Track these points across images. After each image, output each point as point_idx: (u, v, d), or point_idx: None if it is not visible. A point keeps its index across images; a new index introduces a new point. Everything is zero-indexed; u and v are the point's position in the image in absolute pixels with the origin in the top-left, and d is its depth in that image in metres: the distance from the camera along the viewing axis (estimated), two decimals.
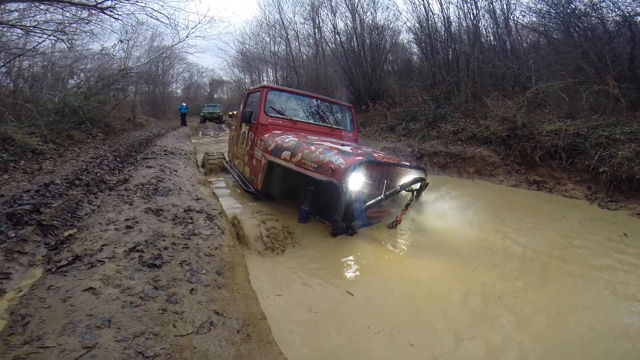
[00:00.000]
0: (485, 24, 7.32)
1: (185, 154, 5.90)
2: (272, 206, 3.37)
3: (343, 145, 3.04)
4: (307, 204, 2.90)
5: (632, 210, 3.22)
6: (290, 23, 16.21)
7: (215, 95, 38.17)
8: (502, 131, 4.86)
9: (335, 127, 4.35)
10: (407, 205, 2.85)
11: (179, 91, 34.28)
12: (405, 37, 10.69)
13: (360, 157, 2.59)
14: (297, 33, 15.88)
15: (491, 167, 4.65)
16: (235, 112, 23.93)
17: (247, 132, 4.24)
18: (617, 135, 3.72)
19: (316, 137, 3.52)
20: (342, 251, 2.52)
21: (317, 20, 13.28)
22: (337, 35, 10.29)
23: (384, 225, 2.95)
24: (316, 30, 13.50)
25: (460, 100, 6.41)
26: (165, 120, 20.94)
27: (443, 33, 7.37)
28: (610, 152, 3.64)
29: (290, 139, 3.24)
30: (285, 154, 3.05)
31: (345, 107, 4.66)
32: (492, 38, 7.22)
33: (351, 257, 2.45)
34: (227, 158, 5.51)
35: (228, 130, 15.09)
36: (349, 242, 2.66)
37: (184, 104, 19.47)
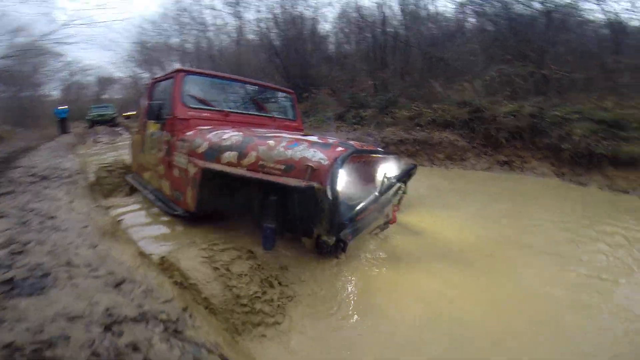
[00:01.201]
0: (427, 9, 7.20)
1: (68, 176, 4.01)
2: (217, 231, 2.30)
3: (306, 135, 2.20)
4: (270, 220, 1.94)
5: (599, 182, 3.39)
6: (205, 8, 13.80)
7: (105, 96, 31.42)
8: (464, 115, 4.76)
9: (278, 116, 3.42)
10: (400, 199, 2.22)
11: (55, 92, 26.86)
12: (341, 23, 10.07)
13: (341, 148, 1.84)
14: (214, 18, 13.62)
15: (461, 151, 4.51)
16: (133, 113, 19.86)
17: (158, 133, 2.95)
18: (569, 115, 3.94)
19: (264, 130, 2.56)
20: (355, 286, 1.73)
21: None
22: (261, 23, 9.09)
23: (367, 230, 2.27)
24: (238, 13, 11.79)
25: (406, 85, 6.21)
26: (37, 129, 15.94)
27: (380, 17, 7.01)
28: (566, 131, 3.84)
29: (231, 134, 2.23)
30: (229, 155, 2.06)
31: (285, 93, 3.75)
32: (433, 24, 7.20)
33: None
34: (132, 171, 3.97)
35: (127, 133, 12.10)
36: (349, 266, 1.89)
37: (63, 107, 15.12)
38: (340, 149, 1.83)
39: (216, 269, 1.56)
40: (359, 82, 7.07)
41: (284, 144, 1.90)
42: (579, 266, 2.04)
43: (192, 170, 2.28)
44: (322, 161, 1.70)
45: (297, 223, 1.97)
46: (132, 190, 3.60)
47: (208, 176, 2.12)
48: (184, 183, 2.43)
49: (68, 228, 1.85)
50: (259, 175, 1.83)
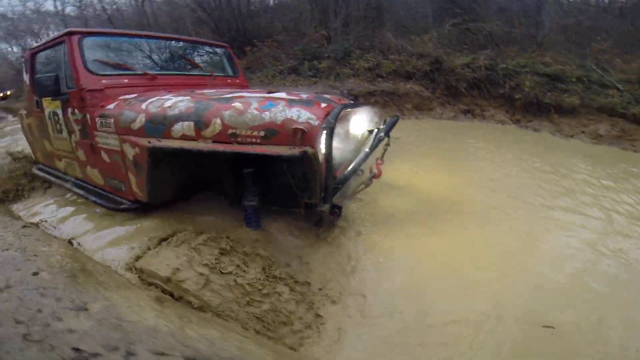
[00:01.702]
0: None
1: None
2: (182, 220, 2.01)
3: (271, 93, 1.95)
4: (250, 197, 1.71)
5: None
6: None
7: None
8: (425, 66, 4.82)
9: (217, 74, 2.99)
10: (384, 152, 2.20)
11: None
12: None
13: (325, 104, 1.63)
14: None
15: (427, 101, 4.62)
16: (8, 93, 15.24)
17: (62, 112, 2.33)
18: (516, 68, 4.44)
19: (214, 91, 2.20)
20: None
21: None
22: None
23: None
24: None
25: (358, 36, 5.87)
26: None
27: None
28: (516, 82, 4.32)
29: (175, 100, 1.83)
30: (182, 127, 1.69)
31: (218, 47, 3.23)
32: None
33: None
34: (38, 161, 3.16)
35: (11, 116, 9.34)
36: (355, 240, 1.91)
37: None
38: (324, 105, 1.61)
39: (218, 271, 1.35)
40: (304, 33, 6.45)
41: (255, 105, 1.58)
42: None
43: (131, 151, 1.89)
44: (311, 121, 1.45)
45: (281, 194, 1.78)
46: (48, 186, 2.90)
47: (158, 156, 1.76)
48: (122, 169, 2.03)
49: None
50: (235, 148, 1.52)
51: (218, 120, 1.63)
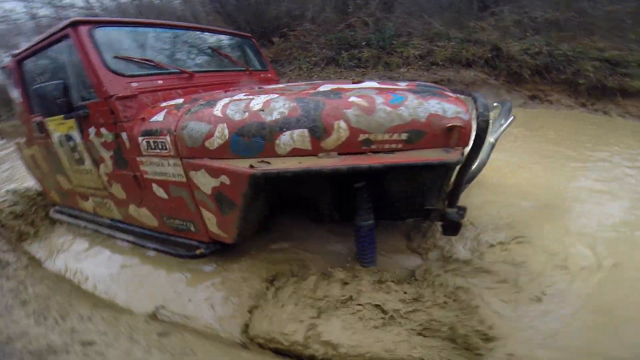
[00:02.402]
0: None
1: None
2: (275, 260, 1.46)
3: (358, 83, 1.31)
4: (365, 214, 1.28)
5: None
6: None
7: None
8: (485, 53, 4.36)
9: (252, 69, 2.29)
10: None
11: None
12: None
13: (454, 94, 1.19)
14: None
15: (494, 89, 4.15)
16: None
17: (80, 135, 1.63)
18: (573, 54, 4.24)
19: (294, 85, 1.54)
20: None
21: None
22: None
23: None
24: None
25: (399, 22, 4.95)
26: None
27: None
28: (577, 68, 4.15)
29: (264, 100, 1.21)
30: (291, 138, 1.11)
31: (242, 38, 2.45)
32: None
33: None
34: (53, 200, 2.46)
35: (6, 141, 8.14)
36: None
37: None
38: (454, 95, 1.17)
39: None
40: (333, 21, 5.42)
41: (380, 99, 1.09)
42: None
43: (210, 182, 1.25)
44: (462, 116, 1.07)
45: (395, 204, 1.39)
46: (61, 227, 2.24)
47: (260, 184, 1.16)
48: (191, 205, 1.41)
49: None
50: (383, 160, 1.03)
51: (342, 124, 1.07)
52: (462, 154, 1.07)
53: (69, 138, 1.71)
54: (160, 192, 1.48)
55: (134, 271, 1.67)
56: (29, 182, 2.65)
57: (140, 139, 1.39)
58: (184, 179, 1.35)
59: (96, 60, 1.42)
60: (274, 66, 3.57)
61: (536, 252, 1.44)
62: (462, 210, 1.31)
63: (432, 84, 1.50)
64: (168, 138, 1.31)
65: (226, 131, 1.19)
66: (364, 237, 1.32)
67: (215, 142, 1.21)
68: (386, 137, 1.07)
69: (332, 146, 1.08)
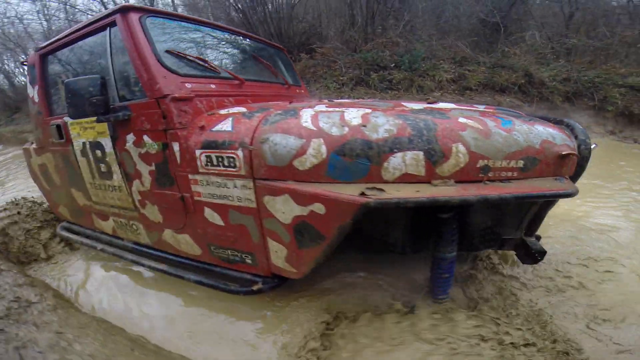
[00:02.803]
0: None
1: None
2: (342, 297, 1.19)
3: (432, 102, 1.21)
4: (450, 246, 1.12)
5: None
6: None
7: None
8: (519, 79, 4.20)
9: (291, 83, 2.02)
10: None
11: None
12: None
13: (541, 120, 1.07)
14: None
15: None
16: None
17: (112, 143, 1.32)
18: (598, 80, 4.14)
19: (378, 103, 1.32)
20: None
21: None
22: None
23: None
24: None
25: (425, 44, 4.79)
26: None
27: None
28: (604, 94, 4.06)
29: (361, 113, 0.97)
30: (402, 161, 0.89)
31: (275, 49, 2.16)
32: None
33: None
34: (61, 216, 2.08)
35: (2, 146, 7.52)
36: None
37: None
38: (542, 120, 1.07)
39: None
40: (357, 41, 5.18)
41: (492, 123, 0.97)
42: None
43: (295, 210, 0.97)
44: (568, 143, 0.99)
45: (478, 235, 1.24)
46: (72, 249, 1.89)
47: (361, 216, 0.87)
48: (255, 235, 1.12)
49: None
50: (511, 191, 0.89)
51: (461, 147, 0.91)
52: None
53: (96, 146, 1.39)
54: (214, 218, 1.17)
55: (199, 317, 1.31)
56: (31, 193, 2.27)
57: (198, 152, 1.09)
58: (253, 205, 1.05)
59: (148, 52, 1.15)
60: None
61: None
62: (538, 238, 1.28)
63: (511, 109, 1.37)
64: (240, 153, 1.01)
65: (323, 148, 0.91)
66: (446, 269, 1.17)
67: (307, 162, 0.92)
68: (504, 164, 0.93)
69: (449, 173, 0.91)
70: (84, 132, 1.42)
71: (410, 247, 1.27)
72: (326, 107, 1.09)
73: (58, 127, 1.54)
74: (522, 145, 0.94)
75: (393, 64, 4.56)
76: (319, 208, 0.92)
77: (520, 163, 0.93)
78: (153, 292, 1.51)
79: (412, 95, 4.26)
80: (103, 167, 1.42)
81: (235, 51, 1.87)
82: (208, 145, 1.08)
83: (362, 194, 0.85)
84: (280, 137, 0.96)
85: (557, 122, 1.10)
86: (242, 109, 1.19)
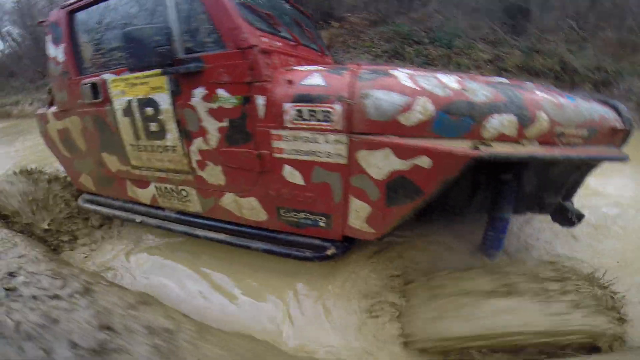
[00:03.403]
0: None
1: None
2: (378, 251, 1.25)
3: (489, 77, 1.27)
4: (508, 205, 1.21)
5: None
6: None
7: None
8: (555, 65, 4.20)
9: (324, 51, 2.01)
10: None
11: None
12: None
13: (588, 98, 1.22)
14: None
15: None
16: None
17: (172, 99, 1.21)
18: (622, 70, 4.13)
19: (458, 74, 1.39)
20: None
21: None
22: None
23: None
24: None
25: (458, 23, 4.70)
26: None
27: None
28: (628, 84, 4.05)
29: (459, 80, 1.02)
30: (500, 122, 0.95)
31: (304, 16, 2.15)
32: None
33: None
34: (83, 189, 1.85)
35: None
36: None
37: None
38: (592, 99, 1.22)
39: None
40: (388, 12, 4.96)
41: (560, 98, 1.08)
42: None
43: (394, 164, 0.97)
44: (618, 120, 1.15)
45: (525, 198, 1.34)
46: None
47: (464, 170, 0.92)
48: (337, 194, 1.10)
49: None
50: (588, 152, 1.06)
51: (543, 114, 1.00)
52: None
53: (147, 103, 1.27)
54: (294, 176, 1.13)
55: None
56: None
57: (287, 105, 1.05)
58: (344, 161, 1.04)
59: (230, 0, 1.07)
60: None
61: None
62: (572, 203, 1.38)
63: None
64: (337, 107, 0.99)
65: (430, 106, 0.93)
66: (502, 229, 1.23)
67: (413, 118, 0.94)
68: (574, 131, 1.05)
69: (534, 135, 1.00)
70: (131, 88, 1.29)
71: (469, 208, 1.35)
72: (413, 70, 1.11)
73: (94, 85, 1.37)
74: (586, 117, 1.07)
75: (428, 40, 4.50)
76: (423, 161, 0.93)
77: (585, 132, 1.06)
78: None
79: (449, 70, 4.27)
80: (153, 126, 1.30)
81: (278, 13, 1.79)
82: (300, 99, 1.04)
83: (476, 147, 0.89)
84: (383, 94, 0.96)
85: (602, 102, 1.24)
86: (321, 67, 1.16)
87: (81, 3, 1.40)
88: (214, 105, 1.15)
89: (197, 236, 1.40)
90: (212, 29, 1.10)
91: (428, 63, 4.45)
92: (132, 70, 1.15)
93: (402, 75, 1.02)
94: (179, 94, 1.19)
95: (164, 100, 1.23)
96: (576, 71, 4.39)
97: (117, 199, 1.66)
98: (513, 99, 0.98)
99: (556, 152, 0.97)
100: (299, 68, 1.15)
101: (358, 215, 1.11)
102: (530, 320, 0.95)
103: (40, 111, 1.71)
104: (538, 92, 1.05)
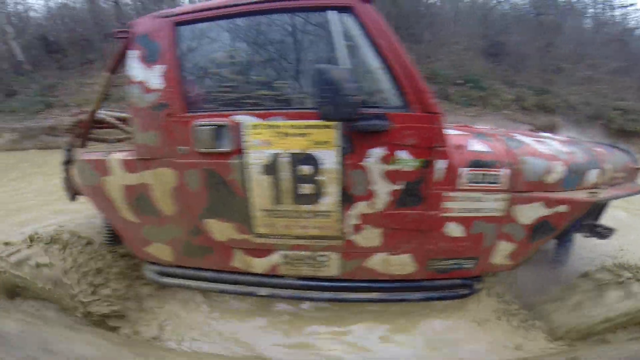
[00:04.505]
0: None
1: None
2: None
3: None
4: (573, 231, 1.55)
5: None
6: None
7: None
8: (561, 103, 4.97)
9: None
10: None
11: None
12: None
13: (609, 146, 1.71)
14: None
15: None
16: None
17: (341, 158, 1.12)
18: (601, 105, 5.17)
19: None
20: None
21: None
22: None
23: None
24: None
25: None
26: None
27: None
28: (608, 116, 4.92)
29: (549, 141, 1.46)
30: (592, 175, 1.36)
31: None
32: None
33: None
34: (152, 257, 1.31)
35: None
36: None
37: None
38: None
39: None
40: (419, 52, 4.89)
41: (603, 149, 1.52)
42: None
43: (541, 212, 1.24)
44: (634, 161, 1.59)
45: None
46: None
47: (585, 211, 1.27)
48: (488, 239, 1.28)
49: None
50: (627, 190, 1.44)
51: (609, 165, 1.43)
52: None
53: (305, 160, 1.12)
54: (455, 230, 1.25)
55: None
56: None
57: (461, 170, 1.17)
58: (500, 214, 1.24)
59: (407, 57, 1.09)
60: None
61: None
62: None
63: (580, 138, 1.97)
64: (505, 171, 1.19)
65: (562, 168, 1.26)
66: (569, 247, 1.57)
67: (553, 177, 1.25)
68: (620, 174, 1.48)
69: (604, 181, 1.42)
70: (282, 140, 1.11)
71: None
72: (525, 135, 1.43)
73: (218, 128, 1.09)
74: (622, 162, 1.49)
75: (462, 81, 4.93)
76: (562, 208, 1.24)
77: (624, 173, 1.48)
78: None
79: (488, 112, 4.72)
80: (307, 189, 1.15)
81: None
82: (474, 164, 1.18)
83: (591, 194, 1.25)
84: (533, 159, 1.23)
85: (614, 147, 1.72)
86: (463, 132, 1.35)
87: (195, 15, 1.10)
88: (391, 168, 1.14)
89: (346, 300, 1.28)
90: (396, 87, 1.09)
91: (471, 104, 5.03)
92: (325, 118, 0.98)
93: (529, 140, 1.33)
94: (350, 152, 1.12)
95: (329, 158, 1.12)
96: (574, 107, 5.47)
97: (208, 270, 1.30)
98: (592, 156, 1.39)
99: (620, 192, 1.39)
100: (447, 131, 1.29)
101: (502, 254, 1.32)
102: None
103: (90, 156, 1.17)
104: (598, 148, 1.49)
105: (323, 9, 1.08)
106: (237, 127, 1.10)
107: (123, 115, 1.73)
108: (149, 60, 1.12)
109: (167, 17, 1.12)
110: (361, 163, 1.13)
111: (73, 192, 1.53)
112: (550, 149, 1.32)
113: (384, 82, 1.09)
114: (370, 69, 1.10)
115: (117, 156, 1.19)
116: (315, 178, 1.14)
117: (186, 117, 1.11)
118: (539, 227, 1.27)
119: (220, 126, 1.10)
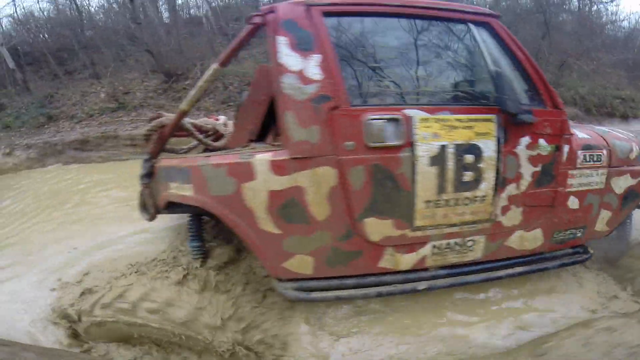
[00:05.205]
0: None
1: None
2: None
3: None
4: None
5: None
6: None
7: None
8: (574, 95, 5.74)
9: None
10: None
11: None
12: None
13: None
14: None
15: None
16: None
17: (498, 145, 1.16)
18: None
19: None
20: None
21: None
22: None
23: None
24: None
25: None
26: None
27: None
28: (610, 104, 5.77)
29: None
30: (635, 149, 1.58)
31: None
32: None
33: None
34: (292, 272, 1.05)
35: None
36: None
37: None
38: None
39: None
40: None
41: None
42: None
43: (626, 183, 1.46)
44: None
45: None
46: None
47: None
48: (594, 210, 1.44)
49: None
50: None
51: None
52: None
53: (469, 150, 1.11)
54: (574, 203, 1.38)
55: None
56: None
57: (579, 152, 1.32)
58: (602, 186, 1.43)
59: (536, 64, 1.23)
60: None
61: None
62: None
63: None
64: (605, 152, 1.39)
65: (637, 147, 1.53)
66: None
67: (633, 154, 1.50)
68: None
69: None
70: (449, 132, 1.09)
71: None
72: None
73: (389, 122, 1.00)
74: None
75: None
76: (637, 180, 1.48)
77: None
78: None
79: None
80: (468, 176, 1.13)
81: None
82: (587, 147, 1.35)
83: None
84: (619, 142, 1.46)
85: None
86: None
87: (346, 8, 1.03)
88: (534, 153, 1.21)
89: (496, 278, 1.27)
90: (533, 88, 1.22)
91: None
92: (507, 112, 1.01)
93: (605, 129, 1.56)
94: (505, 142, 1.15)
95: (488, 147, 1.13)
96: (584, 98, 6.13)
97: (351, 277, 1.15)
98: (630, 137, 1.64)
99: None
100: None
101: (602, 221, 1.49)
102: None
103: (237, 159, 0.93)
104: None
105: (464, 21, 1.14)
106: (408, 121, 1.04)
107: (199, 122, 1.45)
108: (302, 48, 0.98)
109: (314, 5, 1.01)
110: (514, 150, 1.17)
111: (154, 210, 1.22)
112: (622, 134, 1.57)
113: (525, 84, 1.22)
114: (513, 74, 1.20)
115: (264, 157, 0.99)
116: (478, 165, 1.13)
117: (355, 111, 0.99)
118: (627, 195, 1.49)
119: (392, 120, 1.02)
